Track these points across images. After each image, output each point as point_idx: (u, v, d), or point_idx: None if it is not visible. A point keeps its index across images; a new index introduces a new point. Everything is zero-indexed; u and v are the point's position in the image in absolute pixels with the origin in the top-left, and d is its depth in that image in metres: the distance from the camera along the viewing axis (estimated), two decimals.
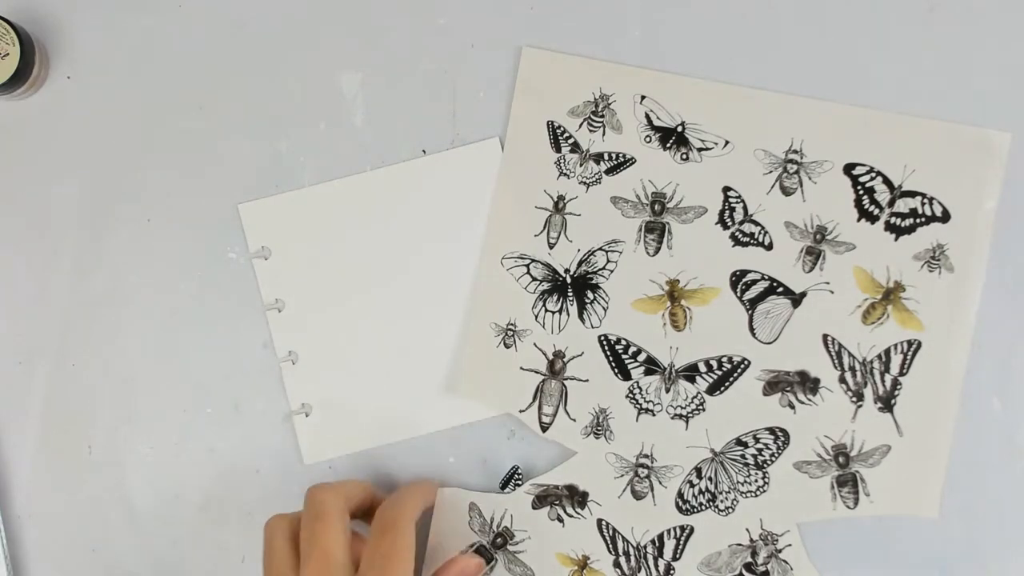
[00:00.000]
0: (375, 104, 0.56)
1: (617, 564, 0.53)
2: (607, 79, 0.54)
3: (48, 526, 0.56)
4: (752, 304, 0.53)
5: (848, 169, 0.53)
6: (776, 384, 0.53)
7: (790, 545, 0.52)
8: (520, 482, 0.54)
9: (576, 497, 0.53)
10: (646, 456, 0.53)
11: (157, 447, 0.56)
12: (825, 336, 0.53)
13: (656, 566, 0.53)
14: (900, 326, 0.53)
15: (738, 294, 0.53)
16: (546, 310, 0.54)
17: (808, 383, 0.53)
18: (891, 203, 0.53)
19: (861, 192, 0.53)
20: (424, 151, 0.56)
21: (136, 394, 0.56)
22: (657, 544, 0.53)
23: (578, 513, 0.53)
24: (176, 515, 0.56)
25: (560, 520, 0.53)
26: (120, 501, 0.56)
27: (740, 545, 0.52)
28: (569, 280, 0.54)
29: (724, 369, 0.53)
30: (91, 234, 0.57)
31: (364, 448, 0.55)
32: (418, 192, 0.56)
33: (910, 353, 0.52)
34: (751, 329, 0.53)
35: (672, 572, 0.52)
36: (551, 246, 0.54)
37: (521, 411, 0.54)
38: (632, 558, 0.53)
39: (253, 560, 0.56)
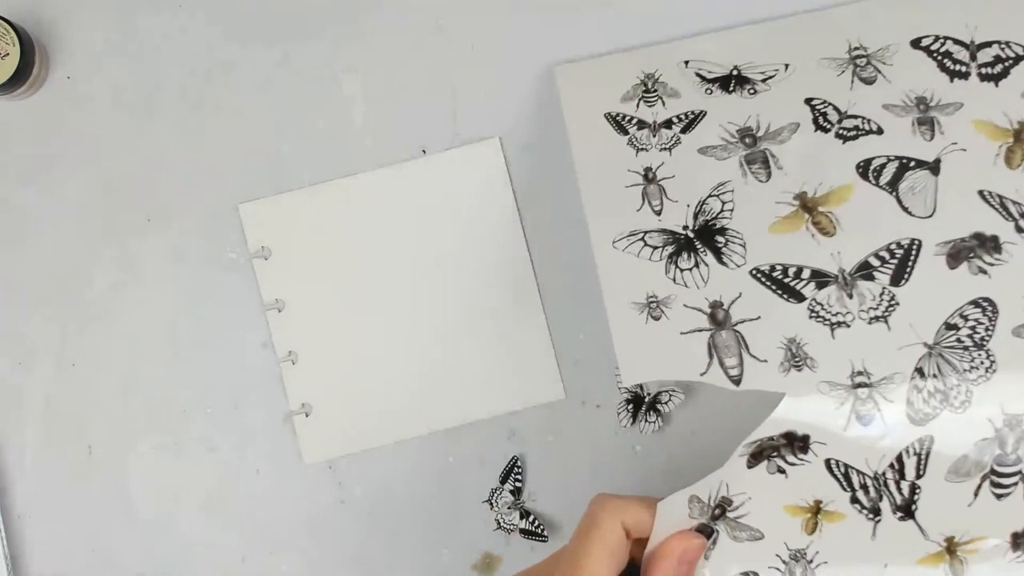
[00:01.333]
0: (375, 104, 0.56)
1: (855, 500, 0.47)
2: (645, 61, 0.53)
3: (48, 526, 0.56)
4: (892, 186, 0.49)
5: (915, 43, 0.52)
6: (958, 254, 0.48)
7: None
8: (520, 473, 0.54)
9: (796, 443, 0.47)
10: (860, 373, 0.47)
11: (157, 447, 0.56)
12: (981, 192, 0.49)
13: (899, 490, 0.47)
14: None
15: (872, 181, 0.49)
16: (680, 270, 0.50)
17: (988, 243, 0.48)
18: (973, 57, 0.51)
19: (940, 58, 0.51)
20: (424, 151, 0.56)
21: (136, 394, 0.56)
22: (897, 467, 0.47)
23: (801, 459, 0.47)
24: (176, 515, 0.56)
25: (782, 471, 0.47)
26: (120, 501, 0.56)
27: (986, 440, 0.46)
28: (692, 235, 0.50)
29: (898, 256, 0.48)
30: (91, 234, 0.57)
31: (364, 448, 0.55)
32: (418, 192, 0.56)
33: None
34: (904, 209, 0.49)
35: (917, 491, 0.47)
36: (657, 213, 0.51)
37: (702, 374, 0.49)
38: (871, 489, 0.47)
39: (253, 560, 0.56)
